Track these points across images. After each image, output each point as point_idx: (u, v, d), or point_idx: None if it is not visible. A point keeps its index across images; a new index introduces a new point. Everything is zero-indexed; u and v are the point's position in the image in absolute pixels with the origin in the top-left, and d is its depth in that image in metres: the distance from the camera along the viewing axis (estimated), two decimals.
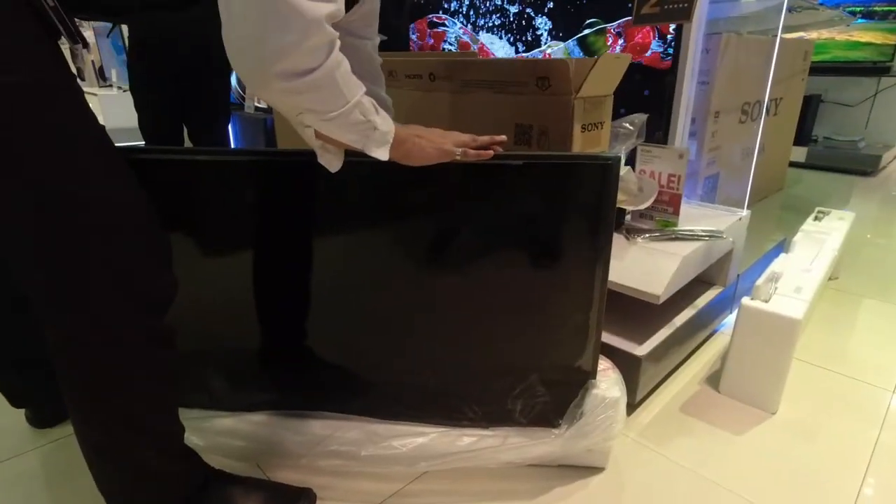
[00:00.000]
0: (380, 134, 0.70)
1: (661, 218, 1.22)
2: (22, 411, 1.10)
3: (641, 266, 1.09)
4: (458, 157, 0.76)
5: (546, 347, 0.92)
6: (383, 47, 1.00)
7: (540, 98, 0.92)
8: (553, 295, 0.89)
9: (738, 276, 1.42)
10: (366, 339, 0.97)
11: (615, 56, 0.90)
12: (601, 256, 0.84)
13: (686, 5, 1.08)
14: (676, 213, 1.20)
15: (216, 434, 0.97)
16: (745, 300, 1.10)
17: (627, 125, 1.20)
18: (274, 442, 0.96)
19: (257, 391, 1.02)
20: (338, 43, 0.61)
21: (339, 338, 0.98)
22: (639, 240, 1.16)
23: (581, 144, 0.93)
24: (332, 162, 0.73)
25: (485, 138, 0.79)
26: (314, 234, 0.91)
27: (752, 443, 1.04)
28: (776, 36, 1.59)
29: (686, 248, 1.12)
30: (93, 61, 3.96)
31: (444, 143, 0.75)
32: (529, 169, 0.81)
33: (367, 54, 0.93)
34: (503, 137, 0.80)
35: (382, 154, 0.71)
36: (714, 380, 1.21)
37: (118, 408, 0.70)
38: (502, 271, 0.89)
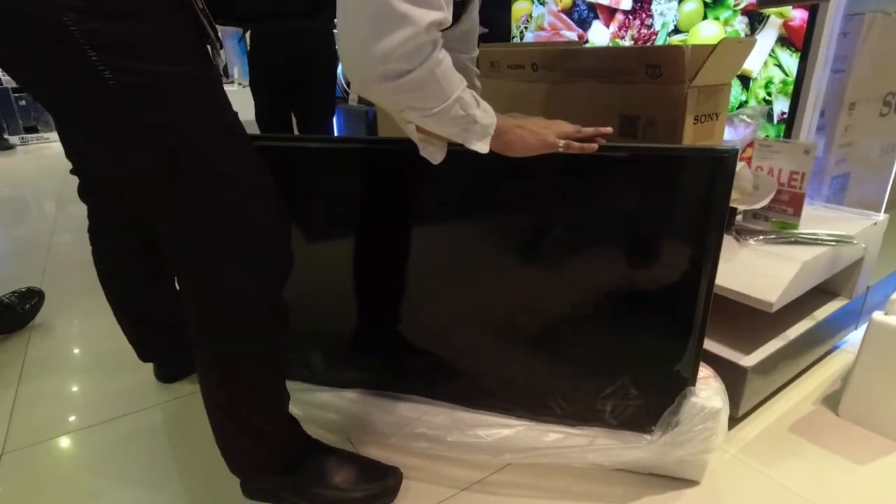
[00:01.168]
0: (480, 127, 0.70)
1: (779, 219, 1.11)
2: (149, 367, 1.24)
3: (754, 270, 1.01)
4: (560, 149, 0.74)
5: (643, 348, 0.88)
6: (484, 39, 1.00)
7: (649, 87, 0.87)
8: (654, 294, 0.85)
9: (868, 287, 1.27)
10: (458, 328, 0.98)
11: (737, 40, 0.83)
12: (709, 257, 0.79)
13: None
14: (797, 214, 1.09)
15: (314, 406, 1.03)
16: (877, 315, 0.98)
17: (746, 117, 1.11)
18: (365, 419, 1.00)
19: (352, 370, 1.07)
20: (440, 41, 0.62)
21: (432, 325, 1.00)
22: (751, 241, 1.07)
23: (693, 136, 0.87)
24: (434, 154, 0.75)
25: (589, 130, 0.76)
26: (414, 223, 0.94)
27: (875, 474, 0.93)
28: None
29: (807, 252, 1.02)
30: None
31: (546, 134, 0.74)
32: (635, 162, 0.78)
33: (463, 66, 0.93)
34: (609, 129, 0.76)
35: (483, 147, 0.71)
36: (832, 401, 1.10)
37: (244, 374, 0.76)
38: (602, 267, 0.86)
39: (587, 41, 1.71)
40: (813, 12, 1.09)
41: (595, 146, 0.74)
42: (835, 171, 1.51)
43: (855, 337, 1.31)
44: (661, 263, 0.83)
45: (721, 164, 0.74)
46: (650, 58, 0.85)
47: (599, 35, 1.69)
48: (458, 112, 0.67)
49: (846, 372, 1.19)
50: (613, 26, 1.66)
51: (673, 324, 0.84)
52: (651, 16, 1.57)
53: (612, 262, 0.85)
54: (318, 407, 1.04)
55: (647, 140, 0.92)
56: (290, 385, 1.06)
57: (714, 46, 0.79)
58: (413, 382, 1.03)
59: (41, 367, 1.32)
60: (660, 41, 1.55)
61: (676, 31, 1.53)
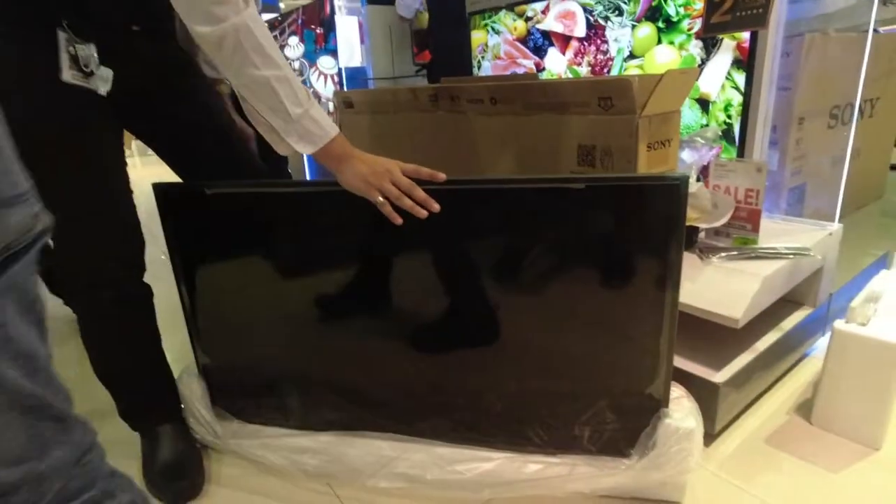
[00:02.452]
0: (300, 127, 0.79)
1: (739, 235, 1.15)
2: None
3: (718, 287, 1.03)
4: (378, 202, 0.81)
5: (614, 373, 0.89)
6: (446, 70, 1.03)
7: (603, 118, 0.90)
8: (620, 319, 0.86)
9: (831, 295, 1.31)
10: (433, 362, 0.98)
11: (681, 71, 0.87)
12: (670, 279, 0.81)
13: (761, 11, 1.03)
14: (756, 229, 1.13)
15: (291, 451, 1.02)
16: (838, 323, 1.01)
17: (699, 139, 1.15)
18: (344, 461, 0.99)
19: (328, 411, 1.06)
20: (247, 9, 0.71)
21: (405, 361, 1.00)
22: (714, 259, 1.10)
23: (647, 163, 0.90)
24: (277, 144, 0.82)
25: (425, 172, 0.82)
26: (379, 259, 0.94)
27: (851, 481, 0.94)
28: (883, 30, 1.47)
29: (768, 267, 1.05)
30: None
31: (374, 183, 0.80)
32: (593, 192, 0.80)
33: None
34: (442, 176, 0.82)
35: (302, 147, 0.80)
36: (805, 410, 1.12)
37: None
38: (568, 295, 0.87)
39: (544, 69, 1.75)
40: (754, 36, 1.14)
41: (399, 221, 0.82)
42: (791, 183, 1.56)
43: (823, 343, 1.34)
44: (625, 288, 0.84)
45: (675, 190, 0.76)
46: (601, 90, 0.88)
47: (556, 62, 1.74)
48: (268, 95, 0.76)
49: (817, 379, 1.21)
50: (569, 53, 1.71)
51: (641, 346, 0.86)
52: (606, 42, 1.63)
53: (577, 290, 0.86)
54: (294, 451, 1.02)
55: (605, 168, 0.94)
56: (266, 432, 1.06)
57: (660, 77, 0.83)
58: (391, 420, 1.02)
59: None
60: (616, 67, 1.60)
61: (632, 56, 1.58)
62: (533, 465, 0.92)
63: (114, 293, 0.92)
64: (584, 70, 1.70)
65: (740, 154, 1.24)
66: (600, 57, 1.66)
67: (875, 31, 1.77)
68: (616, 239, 0.83)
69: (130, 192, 0.95)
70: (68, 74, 0.78)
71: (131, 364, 1.01)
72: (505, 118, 1.07)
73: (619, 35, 1.59)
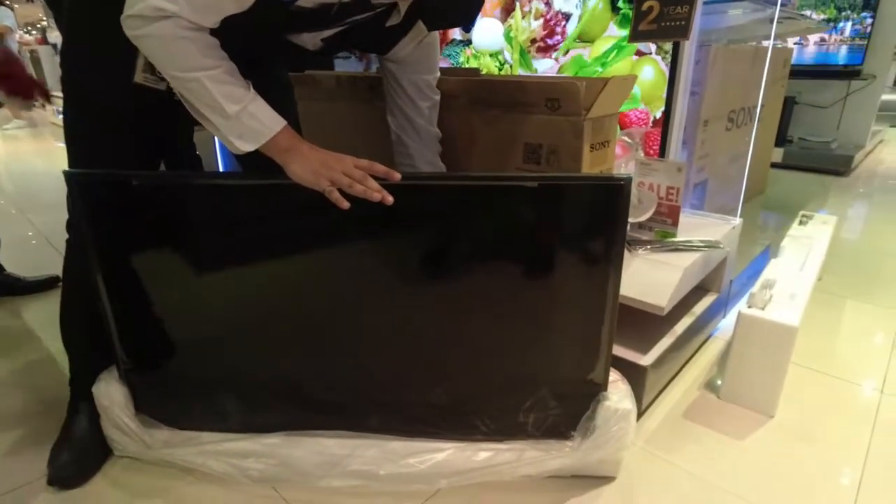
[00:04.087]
0: (239, 125, 0.79)
1: (661, 229, 1.25)
2: None
3: (644, 278, 1.12)
4: (325, 191, 0.80)
5: (559, 362, 0.94)
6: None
7: (550, 118, 0.93)
8: (566, 311, 0.91)
9: (731, 281, 1.47)
10: (377, 357, 0.97)
11: (622, 77, 0.92)
12: (613, 273, 0.86)
13: (683, 23, 1.11)
14: (675, 224, 1.23)
15: (231, 456, 0.97)
16: (744, 309, 1.14)
17: (626, 139, 1.23)
18: (291, 463, 0.96)
19: (271, 412, 1.02)
20: (175, 21, 0.72)
21: (350, 357, 0.98)
22: (640, 252, 1.19)
23: (590, 163, 0.95)
24: (227, 144, 0.82)
25: (380, 168, 0.82)
26: (320, 255, 0.91)
27: (753, 446, 1.08)
28: (766, 44, 1.65)
29: (686, 259, 1.16)
30: None
31: (324, 173, 0.80)
32: (544, 190, 0.83)
33: (416, 85, 1.03)
34: (398, 175, 0.82)
35: (242, 145, 0.80)
36: (713, 385, 1.25)
37: None
38: (515, 288, 0.90)
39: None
40: (676, 45, 1.23)
41: (346, 205, 0.80)
42: (696, 180, 1.72)
43: (724, 324, 1.51)
44: (571, 281, 0.89)
45: (621, 189, 0.81)
46: (550, 91, 0.91)
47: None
48: (200, 91, 0.76)
49: (721, 357, 1.36)
50: None
51: (586, 335, 0.91)
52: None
53: (525, 283, 0.90)
54: (236, 456, 0.97)
55: (551, 166, 0.98)
56: (203, 438, 1.00)
57: (605, 82, 0.87)
58: (338, 417, 1.00)
59: None
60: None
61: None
62: (483, 453, 0.95)
63: None
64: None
65: (661, 153, 1.34)
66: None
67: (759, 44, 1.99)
68: (564, 234, 0.87)
69: None
70: (140, 77, 0.89)
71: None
72: (450, 112, 1.08)
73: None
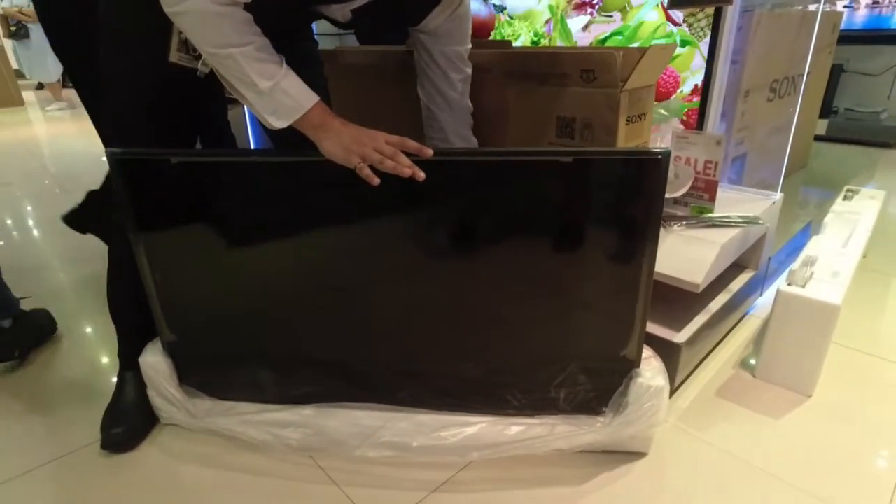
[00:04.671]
0: (273, 101, 0.80)
1: (697, 204, 1.22)
2: None
3: (679, 254, 1.10)
4: (355, 167, 0.80)
5: (592, 338, 0.94)
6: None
7: (585, 91, 0.91)
8: (600, 287, 0.90)
9: (770, 258, 1.43)
10: (409, 331, 0.99)
11: (661, 46, 0.89)
12: (648, 249, 0.85)
13: None
14: (712, 199, 1.20)
15: (270, 426, 1.01)
16: (783, 287, 1.11)
17: (662, 111, 1.19)
18: (327, 433, 0.99)
19: (306, 384, 1.04)
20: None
21: (383, 330, 1.00)
22: (675, 227, 1.17)
23: (625, 137, 0.93)
24: (266, 119, 0.83)
25: (412, 144, 0.81)
26: (352, 228, 0.92)
27: (790, 426, 1.06)
28: (816, 9, 1.56)
29: (724, 235, 1.13)
30: None
31: (355, 149, 0.80)
32: (579, 165, 0.82)
33: (447, 57, 1.02)
34: (430, 151, 0.82)
35: (276, 122, 0.81)
36: (748, 363, 1.23)
37: None
38: (548, 263, 0.90)
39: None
40: (718, 11, 1.18)
41: (376, 180, 0.80)
42: (735, 153, 1.66)
43: (761, 303, 1.47)
44: (605, 257, 0.88)
45: (658, 163, 0.79)
46: (585, 62, 0.89)
47: None
48: (233, 67, 0.77)
49: (756, 336, 1.34)
50: None
51: (620, 312, 0.90)
52: None
53: (559, 258, 0.89)
54: (275, 426, 1.01)
55: (585, 140, 0.96)
56: (243, 408, 1.04)
57: (643, 52, 0.84)
58: (371, 391, 1.03)
59: None
60: None
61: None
62: (515, 428, 0.96)
63: None
64: None
65: (700, 125, 1.30)
66: None
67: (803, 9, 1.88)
68: (599, 210, 0.85)
69: None
70: (175, 56, 0.91)
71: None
72: (482, 86, 1.06)
73: None
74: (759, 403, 1.12)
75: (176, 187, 0.93)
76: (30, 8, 5.26)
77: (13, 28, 5.35)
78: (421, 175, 0.81)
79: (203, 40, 0.78)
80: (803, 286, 1.11)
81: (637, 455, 1.00)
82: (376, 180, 0.81)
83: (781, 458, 0.98)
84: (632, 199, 0.83)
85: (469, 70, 1.05)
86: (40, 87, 6.66)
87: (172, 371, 1.06)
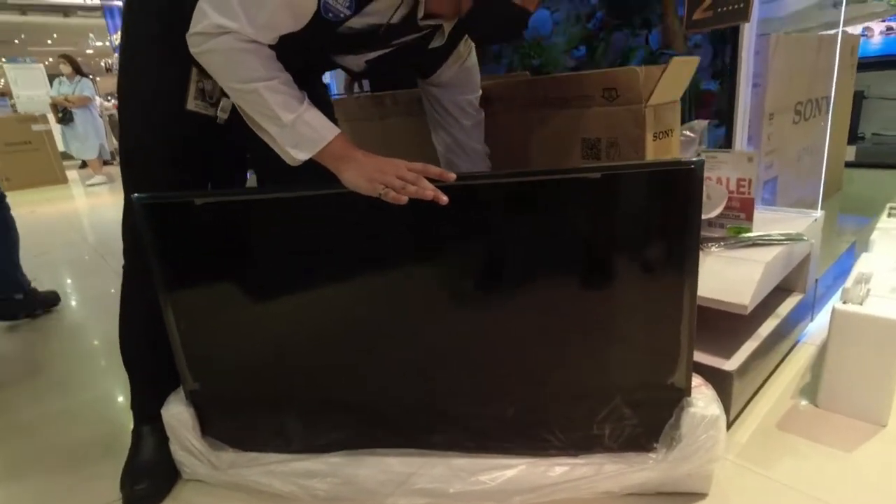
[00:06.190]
0: (295, 133, 0.80)
1: (734, 224, 1.17)
2: None
3: (721, 276, 1.04)
4: (380, 195, 0.78)
5: (636, 366, 0.88)
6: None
7: (608, 110, 0.90)
8: (639, 311, 0.85)
9: (816, 281, 1.35)
10: (440, 370, 0.94)
11: (683, 60, 0.88)
12: (689, 266, 0.80)
13: (742, 5, 1.06)
14: (749, 218, 1.15)
15: (296, 476, 0.95)
16: (838, 305, 1.03)
17: (688, 132, 1.17)
18: (356, 482, 0.92)
19: (332, 431, 0.99)
20: (235, 36, 0.76)
21: (413, 372, 0.95)
22: (713, 249, 1.11)
23: (653, 153, 0.90)
24: (283, 155, 0.83)
25: (434, 170, 0.80)
26: (384, 268, 0.89)
27: (863, 459, 0.95)
28: (833, 32, 1.55)
29: (767, 253, 1.07)
30: None
31: (378, 178, 0.78)
32: (607, 181, 0.79)
33: (458, 104, 1.04)
34: (452, 176, 0.80)
35: (298, 154, 0.81)
36: (808, 393, 1.13)
37: None
38: (582, 290, 0.85)
39: None
40: (735, 32, 1.18)
41: (404, 199, 0.77)
42: (766, 177, 1.61)
43: (812, 329, 1.38)
44: (644, 278, 0.83)
45: (691, 174, 0.76)
46: (606, 81, 0.88)
47: None
48: (257, 101, 0.79)
49: (813, 363, 1.24)
50: None
51: (664, 336, 0.84)
52: None
53: (593, 284, 0.84)
54: (301, 476, 0.95)
55: (612, 160, 0.94)
56: (267, 458, 0.99)
57: (665, 66, 0.83)
58: (402, 435, 0.97)
59: None
60: None
61: None
62: (559, 468, 0.89)
63: None
64: None
65: (726, 147, 1.26)
66: None
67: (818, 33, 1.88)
68: (632, 228, 0.82)
69: None
70: (192, 104, 0.92)
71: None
72: (502, 116, 1.06)
73: None
74: (827, 435, 1.02)
75: (201, 231, 0.92)
76: (74, 94, 5.69)
77: (60, 115, 5.79)
78: (444, 199, 0.78)
79: (228, 77, 0.80)
80: (860, 303, 1.04)
81: (696, 496, 0.90)
82: (404, 199, 0.78)
83: (856, 494, 0.87)
84: (667, 214, 0.79)
85: (481, 116, 1.06)
86: (83, 165, 7.09)
87: (195, 422, 1.02)
